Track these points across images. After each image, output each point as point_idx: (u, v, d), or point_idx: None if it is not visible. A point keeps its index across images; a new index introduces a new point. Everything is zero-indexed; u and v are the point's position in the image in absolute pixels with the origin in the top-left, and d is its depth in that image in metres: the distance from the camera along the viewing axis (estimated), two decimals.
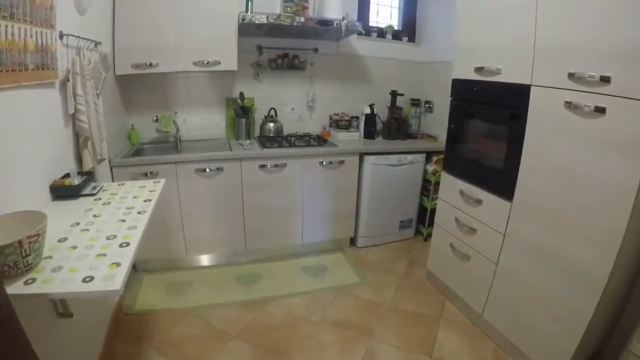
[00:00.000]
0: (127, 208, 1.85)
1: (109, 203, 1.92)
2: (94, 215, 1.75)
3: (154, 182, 2.26)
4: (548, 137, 2.21)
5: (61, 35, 1.98)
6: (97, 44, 2.48)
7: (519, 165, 2.41)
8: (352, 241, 4.01)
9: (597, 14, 1.92)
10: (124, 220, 1.70)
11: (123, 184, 2.23)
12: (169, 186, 2.93)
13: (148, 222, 1.71)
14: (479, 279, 2.80)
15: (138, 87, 3.45)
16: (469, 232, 2.87)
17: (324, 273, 3.48)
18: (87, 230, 1.59)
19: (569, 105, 2.05)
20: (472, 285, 2.89)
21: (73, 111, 2.07)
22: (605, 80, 1.88)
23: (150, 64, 3.10)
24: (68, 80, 2.02)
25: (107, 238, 1.52)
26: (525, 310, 2.47)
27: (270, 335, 2.71)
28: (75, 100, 2.05)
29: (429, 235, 3.98)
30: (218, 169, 3.18)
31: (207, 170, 3.15)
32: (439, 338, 2.79)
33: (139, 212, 1.80)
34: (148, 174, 3.01)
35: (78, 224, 1.65)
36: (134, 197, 2.01)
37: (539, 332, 2.39)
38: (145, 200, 1.96)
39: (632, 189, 1.82)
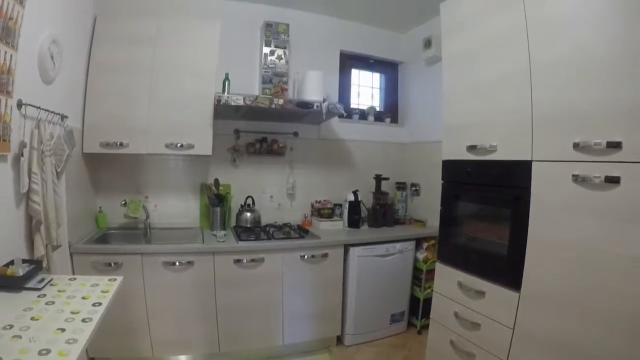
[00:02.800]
0: (72, 312, 1.54)
1: (53, 303, 1.62)
2: (32, 318, 1.46)
3: (109, 280, 1.94)
4: (556, 216, 2.03)
5: (19, 105, 1.83)
6: (63, 117, 2.33)
7: (525, 249, 2.20)
8: (339, 340, 3.65)
9: (596, 74, 1.84)
10: (63, 330, 1.39)
11: (74, 279, 1.93)
12: (134, 279, 2.77)
13: (92, 334, 1.41)
14: None
15: (107, 168, 3.27)
16: (471, 327, 2.57)
17: None
18: (19, 337, 1.30)
19: (576, 178, 1.90)
20: None
21: (26, 190, 1.88)
22: (614, 146, 1.75)
23: (121, 144, 2.94)
24: (22, 155, 1.84)
25: (40, 353, 1.22)
26: None
27: None
28: (29, 178, 1.88)
29: (423, 328, 3.74)
30: (189, 262, 2.89)
31: (177, 263, 2.86)
32: None
33: (83, 320, 1.49)
34: (112, 264, 2.74)
35: (11, 326, 1.37)
36: (83, 297, 1.71)
37: None
38: (94, 304, 1.64)
39: None
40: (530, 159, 2.14)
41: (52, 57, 2.18)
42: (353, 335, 3.59)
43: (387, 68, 4.54)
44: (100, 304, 1.66)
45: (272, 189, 3.87)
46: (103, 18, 2.98)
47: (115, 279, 1.96)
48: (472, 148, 2.49)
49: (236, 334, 3.12)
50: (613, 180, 1.76)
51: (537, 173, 2.12)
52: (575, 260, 1.95)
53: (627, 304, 1.74)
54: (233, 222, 3.66)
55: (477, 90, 2.51)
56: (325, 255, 3.32)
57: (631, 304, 1.72)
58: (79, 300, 1.67)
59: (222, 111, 3.20)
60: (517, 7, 2.20)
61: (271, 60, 3.61)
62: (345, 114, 3.62)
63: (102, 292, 1.79)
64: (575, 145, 1.90)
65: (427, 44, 3.92)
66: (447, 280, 2.77)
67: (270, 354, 3.30)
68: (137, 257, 2.78)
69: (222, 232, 3.19)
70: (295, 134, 3.85)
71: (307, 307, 3.34)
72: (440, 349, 2.85)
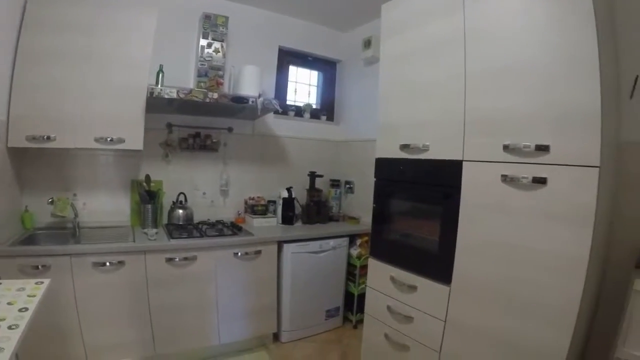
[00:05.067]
0: None
1: None
2: None
3: (35, 284, 1.81)
4: (485, 214, 2.13)
5: None
6: None
7: (455, 245, 2.29)
8: (276, 337, 3.64)
9: (528, 81, 1.93)
10: None
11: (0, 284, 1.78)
12: (64, 282, 2.59)
13: (19, 342, 1.31)
14: None
15: (34, 163, 3.04)
16: (404, 320, 2.65)
17: None
18: None
19: (505, 178, 2.00)
20: None
21: None
22: (542, 149, 1.86)
23: (48, 137, 2.73)
24: None
25: None
26: None
27: None
28: None
29: (359, 322, 3.81)
30: (119, 262, 2.75)
31: (107, 264, 2.71)
32: None
33: (9, 327, 1.38)
34: (39, 267, 2.53)
35: None
36: (9, 303, 1.57)
37: None
38: (21, 310, 1.53)
39: (583, 259, 1.76)
40: (461, 158, 2.22)
41: None
42: (289, 331, 3.59)
43: (326, 66, 4.57)
44: (27, 309, 1.54)
45: (205, 186, 3.78)
46: (34, 3, 2.75)
47: (42, 282, 1.84)
48: (405, 147, 2.55)
49: (171, 335, 3.03)
50: (540, 181, 1.87)
51: (468, 172, 2.20)
52: (502, 256, 2.06)
53: (554, 296, 1.86)
54: (165, 220, 3.54)
55: (412, 92, 2.57)
56: (258, 252, 3.29)
57: (559, 296, 1.85)
58: (4, 306, 1.54)
59: (155, 104, 3.07)
60: (457, 14, 2.27)
61: (208, 53, 3.51)
62: (281, 110, 3.60)
63: (29, 296, 1.67)
64: (505, 147, 1.99)
65: (367, 44, 3.98)
66: (380, 275, 2.82)
67: (207, 354, 3.23)
68: (65, 258, 2.61)
69: (154, 230, 3.06)
70: (230, 129, 3.78)
71: (242, 305, 3.30)
72: (375, 342, 2.91)
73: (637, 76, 2.12)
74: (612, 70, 2.03)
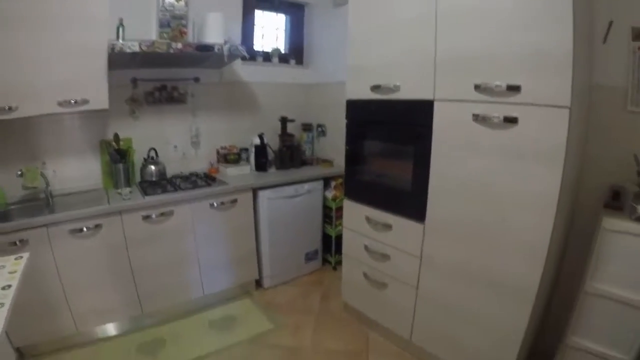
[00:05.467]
0: None
1: None
2: None
3: (15, 259, 1.78)
4: (457, 153, 2.16)
5: None
6: None
7: (428, 184, 2.33)
8: (258, 283, 3.71)
9: (497, 20, 1.91)
10: None
11: None
12: (43, 254, 2.52)
13: (7, 321, 1.31)
14: (401, 305, 2.68)
15: None
16: (381, 258, 2.73)
17: (233, 324, 3.13)
18: None
19: (476, 117, 2.01)
20: (395, 312, 2.76)
21: None
22: (513, 89, 1.86)
23: (10, 108, 2.55)
24: None
25: None
26: (456, 328, 2.39)
27: None
28: None
29: (338, 263, 3.89)
30: (96, 226, 2.69)
31: (85, 229, 2.65)
32: None
33: None
34: (17, 242, 2.45)
35: None
36: None
37: (475, 347, 2.33)
38: (3, 288, 1.50)
39: (553, 196, 1.81)
40: (432, 98, 2.22)
41: None
42: (271, 277, 3.66)
43: (293, 9, 4.37)
44: (10, 286, 1.52)
45: (175, 139, 3.67)
46: None
47: (21, 257, 1.81)
48: (376, 88, 2.52)
49: (156, 292, 3.05)
50: (511, 121, 1.88)
51: (439, 112, 2.20)
52: (475, 194, 2.11)
53: (525, 231, 1.95)
54: (138, 178, 3.46)
55: (382, 33, 2.51)
56: (234, 201, 3.28)
57: (529, 232, 1.93)
58: None
59: (117, 60, 2.90)
60: None
61: (169, 2, 3.29)
62: (248, 56, 3.47)
63: (10, 273, 1.64)
64: (477, 87, 1.99)
65: None
66: (356, 216, 2.87)
67: (193, 307, 3.28)
68: (42, 230, 2.54)
69: (127, 190, 3.00)
70: (197, 79, 3.62)
71: (222, 255, 3.33)
72: (354, 281, 3.00)
73: (611, 21, 2.11)
74: (586, 14, 2.01)
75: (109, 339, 2.93)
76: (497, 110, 1.93)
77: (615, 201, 2.12)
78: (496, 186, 2.02)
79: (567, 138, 1.74)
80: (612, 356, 2.11)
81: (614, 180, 2.19)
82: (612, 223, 1.98)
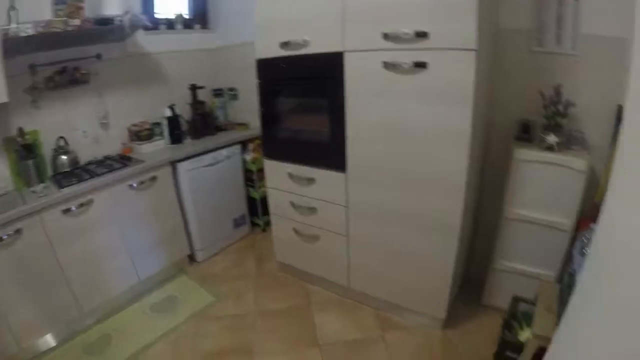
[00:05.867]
0: None
1: None
2: None
3: None
4: (371, 101, 2.22)
5: None
6: None
7: (345, 134, 2.39)
8: (192, 258, 3.65)
9: None
10: None
11: None
12: None
13: None
14: (335, 255, 2.78)
15: None
16: (309, 212, 2.80)
17: (175, 304, 3.08)
18: None
19: (387, 65, 2.07)
20: (330, 262, 2.86)
21: None
22: (421, 35, 1.92)
23: None
24: None
25: None
26: (390, 269, 2.53)
27: None
28: None
29: (267, 225, 3.95)
30: (16, 231, 2.46)
31: (4, 237, 2.40)
32: (318, 324, 2.74)
33: None
34: None
35: None
36: None
37: (411, 283, 2.48)
38: None
39: (466, 133, 1.93)
40: (342, 50, 2.23)
41: None
42: (202, 250, 3.63)
43: None
44: None
45: (83, 124, 3.37)
46: None
47: None
48: (285, 44, 2.48)
49: (92, 287, 2.90)
50: (421, 65, 1.96)
51: (350, 63, 2.24)
52: (392, 139, 2.20)
53: (443, 168, 2.07)
54: (50, 171, 3.16)
55: None
56: (154, 179, 3.16)
57: (447, 168, 2.05)
58: None
59: (12, 47, 2.58)
60: None
61: None
62: (151, 25, 3.31)
63: None
64: (386, 36, 2.02)
65: None
66: (278, 174, 2.89)
67: (131, 295, 3.17)
68: None
69: (41, 186, 2.77)
70: (99, 56, 3.31)
71: (150, 236, 3.23)
72: (286, 239, 3.06)
73: None
74: None
75: (54, 348, 2.76)
76: (407, 56, 1.99)
77: (525, 134, 2.36)
78: (412, 129, 2.11)
79: (474, 79, 1.84)
80: (537, 273, 2.38)
81: (523, 115, 2.38)
82: (524, 153, 2.21)
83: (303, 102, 2.74)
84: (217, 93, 4.13)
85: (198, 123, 3.77)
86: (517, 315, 2.16)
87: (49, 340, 2.78)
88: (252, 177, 3.86)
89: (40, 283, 2.63)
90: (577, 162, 2.08)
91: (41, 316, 2.67)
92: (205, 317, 2.91)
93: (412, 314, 2.62)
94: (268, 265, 3.46)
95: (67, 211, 2.68)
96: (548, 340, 1.61)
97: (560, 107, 2.14)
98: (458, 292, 2.77)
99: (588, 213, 2.07)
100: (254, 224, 4.14)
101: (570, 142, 2.23)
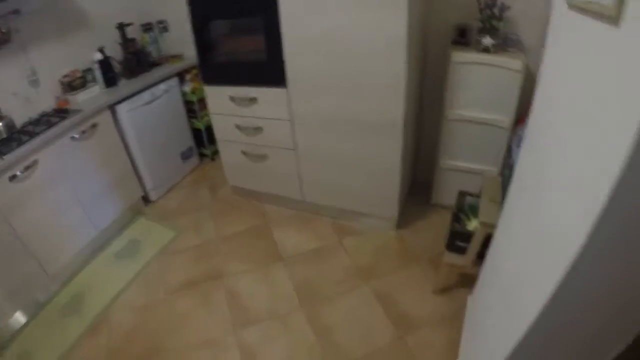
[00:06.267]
0: None
1: None
2: None
3: None
4: (305, 13, 2.18)
5: None
6: None
7: (282, 49, 2.36)
8: (146, 199, 3.62)
9: None
10: None
11: None
12: None
13: None
14: (285, 170, 2.82)
15: None
16: (255, 132, 2.80)
17: (138, 247, 3.10)
18: None
19: None
20: (282, 178, 2.91)
21: None
22: None
23: None
24: None
25: None
26: (341, 176, 2.60)
27: (135, 345, 2.31)
28: None
29: (215, 153, 3.96)
30: None
31: None
32: (278, 240, 2.84)
33: None
34: None
35: None
36: None
37: (361, 188, 2.58)
38: None
39: (402, 38, 1.96)
40: None
41: None
42: (155, 189, 3.60)
43: None
44: None
45: (12, 85, 3.10)
46: None
47: None
48: None
49: (53, 250, 2.83)
50: None
51: None
52: (329, 50, 2.20)
53: (382, 72, 2.11)
54: None
55: None
56: (95, 126, 3.05)
57: (387, 72, 2.09)
58: None
59: None
60: None
61: None
62: None
63: None
64: None
65: None
66: (219, 99, 2.85)
67: (93, 248, 3.14)
68: None
69: None
70: (16, 11, 2.98)
71: (101, 185, 3.16)
72: (236, 163, 3.08)
73: None
74: None
75: (32, 319, 2.71)
76: None
77: (462, 38, 2.41)
78: (347, 38, 2.11)
79: None
80: (481, 170, 2.51)
81: (459, 20, 2.40)
82: (461, 56, 2.27)
83: (238, 23, 2.64)
84: (147, 28, 3.93)
85: (131, 62, 3.61)
86: (464, 208, 2.27)
87: (24, 313, 2.72)
88: (194, 108, 3.80)
89: (3, 257, 2.54)
90: (513, 63, 2.15)
91: (9, 291, 2.60)
92: (169, 252, 2.95)
93: (366, 218, 2.73)
94: (222, 192, 3.49)
95: (13, 178, 2.55)
96: (493, 227, 1.74)
97: (496, 11, 2.17)
98: (408, 195, 2.90)
99: (528, 110, 2.16)
100: (202, 155, 4.12)
101: (506, 44, 2.29)
